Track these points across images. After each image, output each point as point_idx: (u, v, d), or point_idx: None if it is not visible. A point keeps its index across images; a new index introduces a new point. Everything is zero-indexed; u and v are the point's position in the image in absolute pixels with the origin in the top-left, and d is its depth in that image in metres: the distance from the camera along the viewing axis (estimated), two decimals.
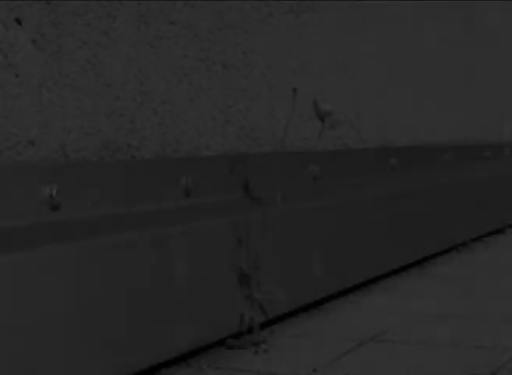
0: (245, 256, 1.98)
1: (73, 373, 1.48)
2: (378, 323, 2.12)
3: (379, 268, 2.72)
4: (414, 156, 3.32)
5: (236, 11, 2.27)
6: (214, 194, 2.02)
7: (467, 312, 2.20)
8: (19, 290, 1.40)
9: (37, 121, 1.60)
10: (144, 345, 1.65)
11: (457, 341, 1.90)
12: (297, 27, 2.59)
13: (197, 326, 1.80)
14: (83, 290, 1.53)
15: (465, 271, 2.90)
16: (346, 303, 2.39)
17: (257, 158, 2.25)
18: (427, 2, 3.63)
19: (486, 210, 3.82)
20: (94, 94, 1.75)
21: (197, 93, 2.09)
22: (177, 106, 2.01)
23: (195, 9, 2.09)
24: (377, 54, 3.15)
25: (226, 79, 2.22)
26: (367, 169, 2.89)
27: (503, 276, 2.76)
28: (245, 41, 2.31)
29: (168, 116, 1.98)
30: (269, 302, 2.01)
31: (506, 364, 1.69)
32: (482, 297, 2.41)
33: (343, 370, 1.69)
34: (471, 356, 1.76)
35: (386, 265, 2.77)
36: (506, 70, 4.65)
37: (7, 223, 1.45)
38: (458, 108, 3.96)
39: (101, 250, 1.60)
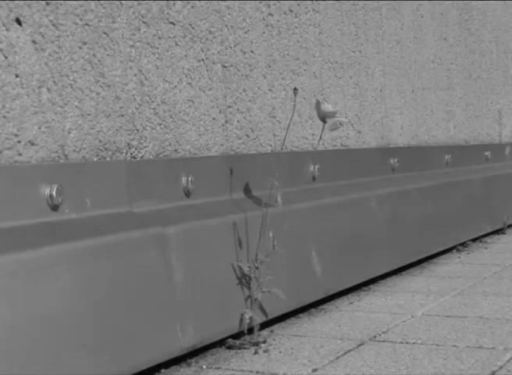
0: (245, 256, 1.98)
1: (73, 372, 1.47)
2: (378, 323, 2.12)
3: (379, 268, 2.71)
4: (414, 156, 3.32)
5: (236, 11, 2.27)
6: (214, 194, 2.02)
7: (467, 312, 2.20)
8: (19, 290, 1.40)
9: (37, 121, 1.60)
10: (143, 345, 1.65)
11: (457, 340, 1.90)
12: (297, 27, 2.59)
13: (197, 326, 1.79)
14: (82, 290, 1.53)
15: (465, 271, 2.90)
16: (346, 303, 2.39)
17: (257, 158, 2.25)
18: (427, 2, 3.63)
19: (486, 210, 3.82)
20: (94, 94, 1.75)
21: (197, 93, 2.09)
22: (177, 106, 2.01)
23: (195, 9, 2.09)
24: (377, 54, 3.15)
25: (226, 79, 2.22)
26: (367, 169, 2.89)
27: (503, 277, 2.76)
28: (245, 40, 2.31)
29: (168, 116, 1.98)
30: (269, 302, 2.01)
31: (506, 364, 1.69)
32: (482, 297, 2.41)
33: (343, 370, 1.69)
34: (471, 356, 1.76)
35: (387, 265, 2.77)
36: (507, 70, 4.65)
37: (7, 223, 1.45)
38: (458, 108, 3.96)
39: (100, 250, 1.60)
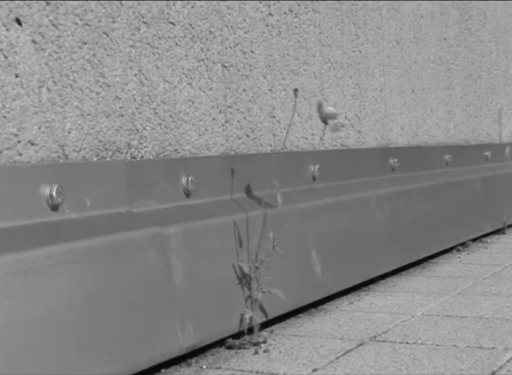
0: (245, 256, 1.98)
1: (73, 372, 1.47)
2: (378, 323, 2.12)
3: (379, 268, 2.71)
4: (414, 156, 3.32)
5: (236, 11, 2.27)
6: (214, 194, 2.02)
7: (467, 312, 2.20)
8: (19, 290, 1.40)
9: (37, 121, 1.60)
10: (143, 345, 1.65)
11: (457, 340, 1.90)
12: (297, 27, 2.59)
13: (197, 326, 1.79)
14: (82, 290, 1.53)
15: (465, 271, 2.90)
16: (346, 303, 2.39)
17: (257, 158, 2.25)
18: (427, 2, 3.63)
19: (486, 210, 3.82)
20: (94, 94, 1.75)
21: (197, 93, 2.09)
22: (177, 106, 2.01)
23: (195, 9, 2.09)
24: (377, 54, 3.15)
25: (226, 79, 2.22)
26: (367, 169, 2.89)
27: (503, 277, 2.76)
28: (245, 41, 2.31)
29: (168, 116, 1.98)
30: (269, 302, 2.01)
31: (506, 364, 1.69)
32: (482, 297, 2.41)
33: (343, 370, 1.69)
34: (471, 356, 1.76)
35: (386, 265, 2.77)
36: (507, 70, 4.65)
37: (7, 223, 1.45)
38: (458, 108, 3.96)
39: (100, 250, 1.60)
